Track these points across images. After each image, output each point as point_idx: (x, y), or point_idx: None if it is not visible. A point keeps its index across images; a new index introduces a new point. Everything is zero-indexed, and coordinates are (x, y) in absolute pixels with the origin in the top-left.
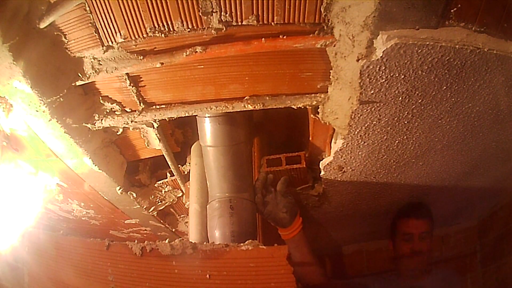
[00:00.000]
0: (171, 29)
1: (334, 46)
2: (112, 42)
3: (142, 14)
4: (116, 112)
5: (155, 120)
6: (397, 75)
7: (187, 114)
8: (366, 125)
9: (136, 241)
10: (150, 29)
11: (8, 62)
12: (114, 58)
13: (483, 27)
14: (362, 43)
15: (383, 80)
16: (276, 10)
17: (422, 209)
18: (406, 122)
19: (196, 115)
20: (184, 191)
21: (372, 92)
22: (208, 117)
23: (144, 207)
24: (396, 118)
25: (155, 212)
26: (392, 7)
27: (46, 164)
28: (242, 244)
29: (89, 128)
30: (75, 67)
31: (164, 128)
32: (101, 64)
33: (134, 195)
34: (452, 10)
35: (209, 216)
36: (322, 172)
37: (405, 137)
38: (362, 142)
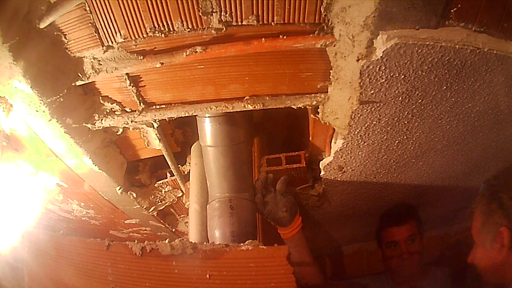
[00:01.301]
0: (171, 29)
1: (334, 46)
2: (112, 42)
3: (142, 14)
4: (116, 112)
5: (155, 120)
6: (397, 75)
7: (187, 114)
8: (366, 125)
9: (136, 241)
10: (150, 29)
11: (8, 62)
12: (114, 58)
13: (483, 27)
14: (362, 43)
15: (383, 80)
16: (276, 10)
17: (403, 213)
18: (406, 122)
19: (196, 115)
20: (184, 191)
21: (372, 92)
22: (208, 117)
23: (144, 207)
24: (396, 118)
25: (155, 212)
26: (392, 7)
27: (46, 164)
28: (242, 244)
29: (89, 128)
30: (75, 67)
31: (164, 128)
32: (101, 64)
33: (134, 195)
34: (452, 10)
35: (209, 216)
36: (322, 172)
37: (405, 137)
38: (362, 142)
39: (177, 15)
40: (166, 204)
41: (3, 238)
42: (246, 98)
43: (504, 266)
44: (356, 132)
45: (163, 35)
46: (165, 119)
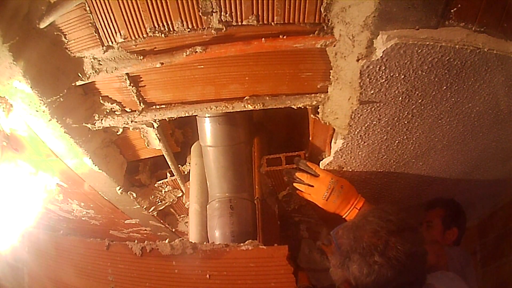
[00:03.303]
0: (171, 29)
1: (334, 46)
2: (112, 42)
3: (142, 14)
4: (116, 112)
5: (155, 120)
6: (397, 75)
7: (187, 114)
8: (366, 125)
9: (136, 241)
10: (150, 29)
11: (8, 62)
12: (114, 58)
13: (483, 27)
14: (362, 43)
15: (383, 80)
16: (276, 10)
17: (433, 200)
18: (406, 122)
19: (196, 115)
20: (184, 191)
21: (372, 92)
22: (208, 117)
23: (144, 207)
24: (396, 118)
25: (155, 212)
26: (392, 7)
27: (46, 164)
28: (242, 244)
29: (89, 128)
30: (75, 67)
31: (164, 128)
32: (101, 64)
33: (134, 195)
34: (452, 10)
35: (209, 216)
36: None
37: (405, 137)
38: (362, 142)
39: (177, 15)
40: (166, 204)
41: (3, 238)
42: (246, 98)
43: None
44: (356, 132)
45: (163, 35)
46: (165, 119)
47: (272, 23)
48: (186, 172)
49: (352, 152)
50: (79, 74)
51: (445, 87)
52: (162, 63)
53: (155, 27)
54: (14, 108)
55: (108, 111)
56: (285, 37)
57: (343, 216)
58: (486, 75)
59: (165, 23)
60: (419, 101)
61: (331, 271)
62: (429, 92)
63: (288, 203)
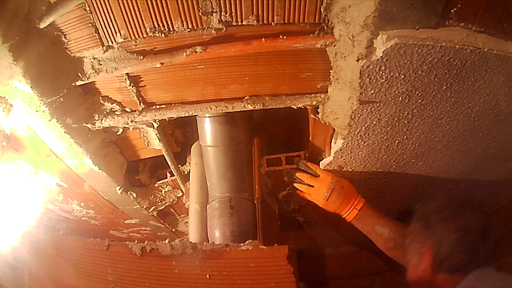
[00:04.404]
0: (171, 29)
1: (334, 46)
2: (112, 42)
3: (142, 14)
4: (116, 112)
5: (155, 120)
6: (397, 75)
7: (187, 114)
8: (366, 125)
9: (136, 241)
10: (150, 29)
11: (8, 62)
12: (114, 58)
13: (483, 27)
14: (362, 43)
15: (383, 80)
16: (276, 10)
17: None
18: (406, 122)
19: (196, 115)
20: (184, 191)
21: (372, 92)
22: (208, 117)
23: (144, 207)
24: (396, 118)
25: (155, 212)
26: (392, 7)
27: (46, 164)
28: (242, 244)
29: (89, 128)
30: (75, 67)
31: (164, 128)
32: (101, 64)
33: (134, 195)
34: (452, 10)
35: (209, 216)
36: None
37: (405, 137)
38: (362, 142)
39: (177, 15)
40: (166, 204)
41: (3, 238)
42: (246, 98)
43: (429, 286)
44: (356, 132)
45: (163, 35)
46: (165, 119)
47: (272, 23)
48: (186, 172)
49: (352, 152)
50: (79, 74)
51: (445, 87)
52: (162, 63)
53: (155, 27)
54: (14, 108)
55: (108, 111)
56: (285, 37)
57: (343, 216)
58: (486, 75)
59: (165, 23)
60: (419, 101)
61: (408, 244)
62: (429, 92)
63: (288, 203)
